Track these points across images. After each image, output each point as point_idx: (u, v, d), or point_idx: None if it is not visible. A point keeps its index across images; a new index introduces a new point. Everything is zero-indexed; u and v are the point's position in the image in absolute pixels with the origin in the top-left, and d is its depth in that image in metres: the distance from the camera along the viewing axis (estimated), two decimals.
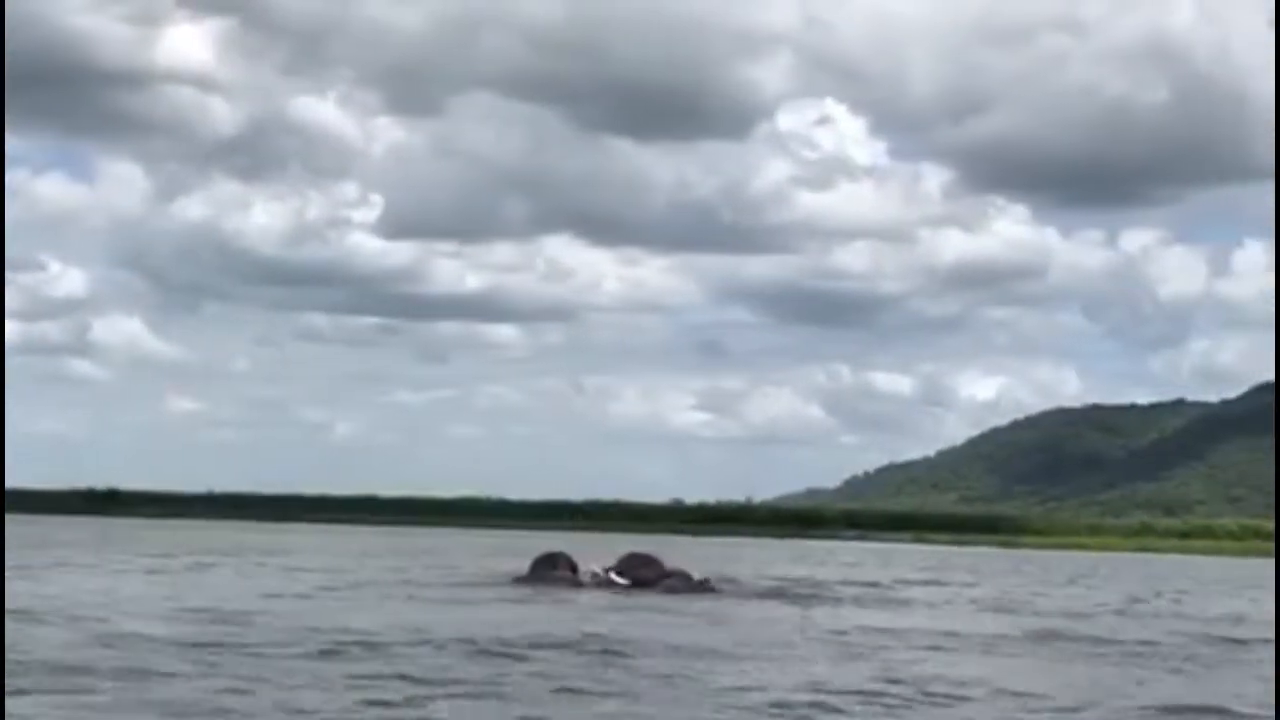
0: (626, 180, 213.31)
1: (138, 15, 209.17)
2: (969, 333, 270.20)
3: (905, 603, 27.59)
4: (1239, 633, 22.10)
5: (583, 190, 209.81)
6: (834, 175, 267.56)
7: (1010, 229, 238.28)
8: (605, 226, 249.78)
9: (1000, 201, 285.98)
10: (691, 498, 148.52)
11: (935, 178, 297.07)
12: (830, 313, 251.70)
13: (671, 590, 26.38)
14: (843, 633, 19.28)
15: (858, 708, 12.17)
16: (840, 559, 57.53)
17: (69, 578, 27.69)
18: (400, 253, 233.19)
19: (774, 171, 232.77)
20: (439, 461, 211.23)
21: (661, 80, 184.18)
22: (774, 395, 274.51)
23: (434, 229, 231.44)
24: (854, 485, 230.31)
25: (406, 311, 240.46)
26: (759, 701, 12.34)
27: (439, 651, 15.18)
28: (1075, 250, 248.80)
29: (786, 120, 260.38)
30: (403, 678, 13.07)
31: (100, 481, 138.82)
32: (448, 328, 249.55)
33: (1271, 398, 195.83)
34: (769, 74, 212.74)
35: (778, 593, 28.19)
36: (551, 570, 28.39)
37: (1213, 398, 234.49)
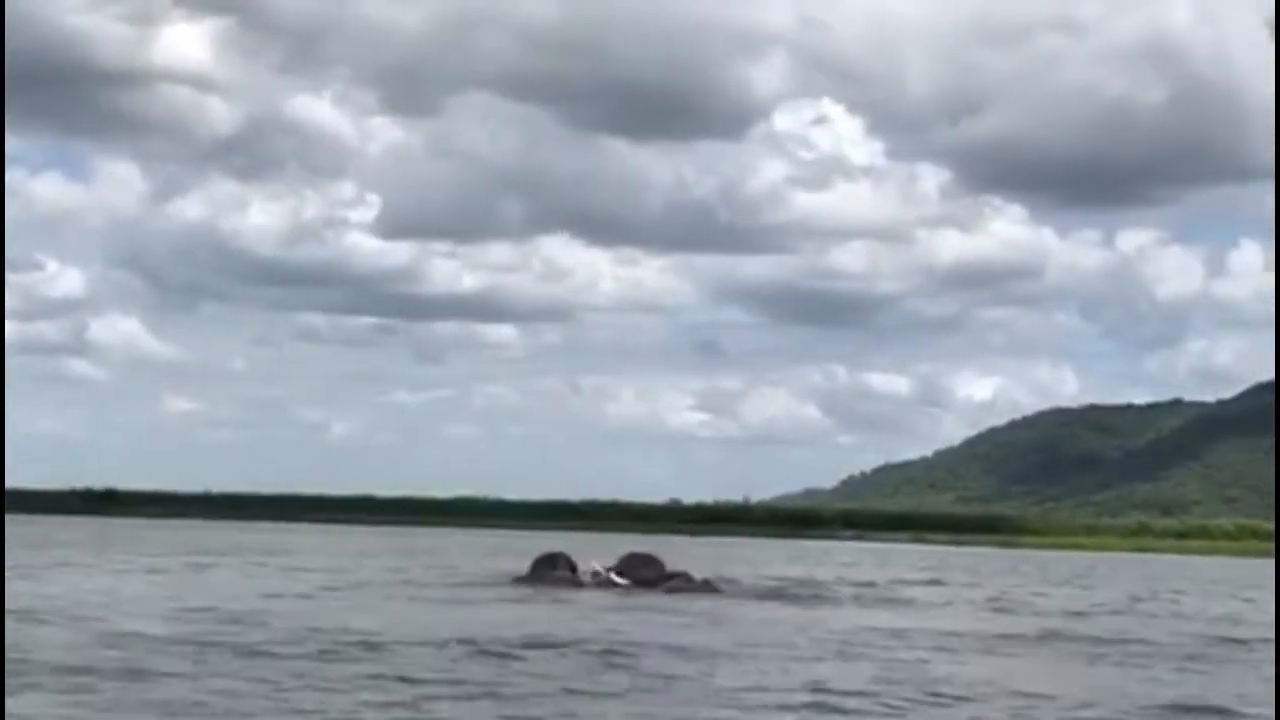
0: (623, 180, 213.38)
1: (135, 15, 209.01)
2: (966, 333, 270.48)
3: (906, 603, 27.60)
4: (1239, 633, 22.13)
5: (580, 190, 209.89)
6: (831, 175, 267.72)
7: (1007, 229, 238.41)
8: (602, 226, 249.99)
9: (997, 202, 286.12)
10: (689, 498, 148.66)
11: (932, 178, 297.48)
12: (827, 313, 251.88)
13: (674, 591, 26.39)
14: (845, 633, 19.29)
15: (862, 708, 12.18)
16: (839, 559, 57.54)
17: (69, 578, 27.68)
18: (397, 253, 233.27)
19: (771, 171, 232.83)
20: (436, 461, 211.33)
21: (658, 80, 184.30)
22: (771, 395, 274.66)
23: (431, 229, 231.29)
24: (851, 485, 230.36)
25: (404, 311, 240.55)
26: (764, 702, 12.35)
27: (442, 652, 15.18)
28: (1072, 250, 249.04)
29: (783, 120, 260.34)
30: (405, 678, 13.07)
31: (98, 481, 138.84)
32: (445, 328, 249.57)
33: (1268, 398, 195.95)
34: (766, 74, 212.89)
35: (779, 593, 28.19)
36: (551, 570, 28.40)
37: (1209, 398, 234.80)
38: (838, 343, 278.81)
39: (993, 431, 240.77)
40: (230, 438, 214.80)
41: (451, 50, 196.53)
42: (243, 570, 33.51)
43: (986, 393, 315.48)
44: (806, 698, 12.58)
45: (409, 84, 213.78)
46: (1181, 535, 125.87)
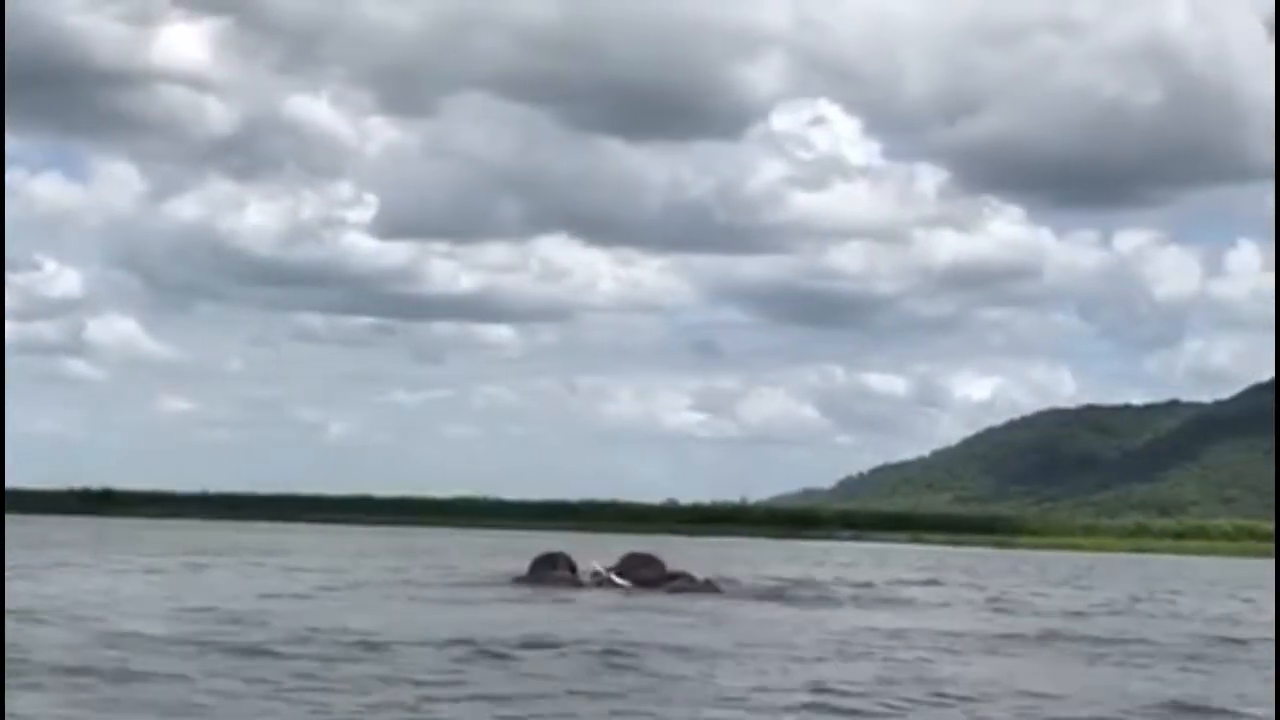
0: (621, 180, 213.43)
1: (133, 15, 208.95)
2: (963, 333, 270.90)
3: (906, 603, 27.59)
4: (1238, 633, 22.14)
5: (577, 190, 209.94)
6: (828, 175, 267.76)
7: (1005, 229, 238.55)
8: (600, 227, 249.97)
9: (995, 202, 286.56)
10: (686, 498, 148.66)
11: (930, 178, 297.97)
12: (825, 313, 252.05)
13: (675, 591, 26.37)
14: (847, 633, 19.28)
15: (865, 709, 12.17)
16: (838, 559, 57.54)
17: (68, 578, 27.64)
18: (395, 253, 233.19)
19: (768, 172, 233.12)
20: (434, 462, 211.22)
21: (656, 80, 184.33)
22: (769, 395, 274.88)
23: (428, 229, 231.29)
24: (848, 485, 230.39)
25: (401, 311, 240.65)
26: (767, 703, 12.34)
27: (445, 652, 15.15)
28: (1070, 251, 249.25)
29: (781, 120, 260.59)
30: (406, 679, 13.04)
31: (95, 481, 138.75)
32: (443, 328, 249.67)
33: (1266, 398, 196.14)
34: (763, 74, 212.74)
35: (780, 594, 28.15)
36: (551, 570, 28.37)
37: (1207, 398, 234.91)
38: (835, 343, 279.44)
39: (990, 432, 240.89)
40: (228, 438, 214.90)
41: (449, 50, 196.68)
42: (241, 570, 33.48)
43: (984, 393, 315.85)
44: (810, 698, 12.56)
45: (406, 84, 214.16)
46: (1179, 536, 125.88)
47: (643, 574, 27.49)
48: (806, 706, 12.16)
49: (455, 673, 13.53)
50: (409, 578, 30.80)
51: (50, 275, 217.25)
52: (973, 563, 62.24)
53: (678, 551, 34.52)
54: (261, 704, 11.49)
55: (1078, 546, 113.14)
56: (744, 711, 11.89)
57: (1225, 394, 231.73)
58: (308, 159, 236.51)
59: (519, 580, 28.32)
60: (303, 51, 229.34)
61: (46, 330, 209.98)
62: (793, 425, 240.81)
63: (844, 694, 12.79)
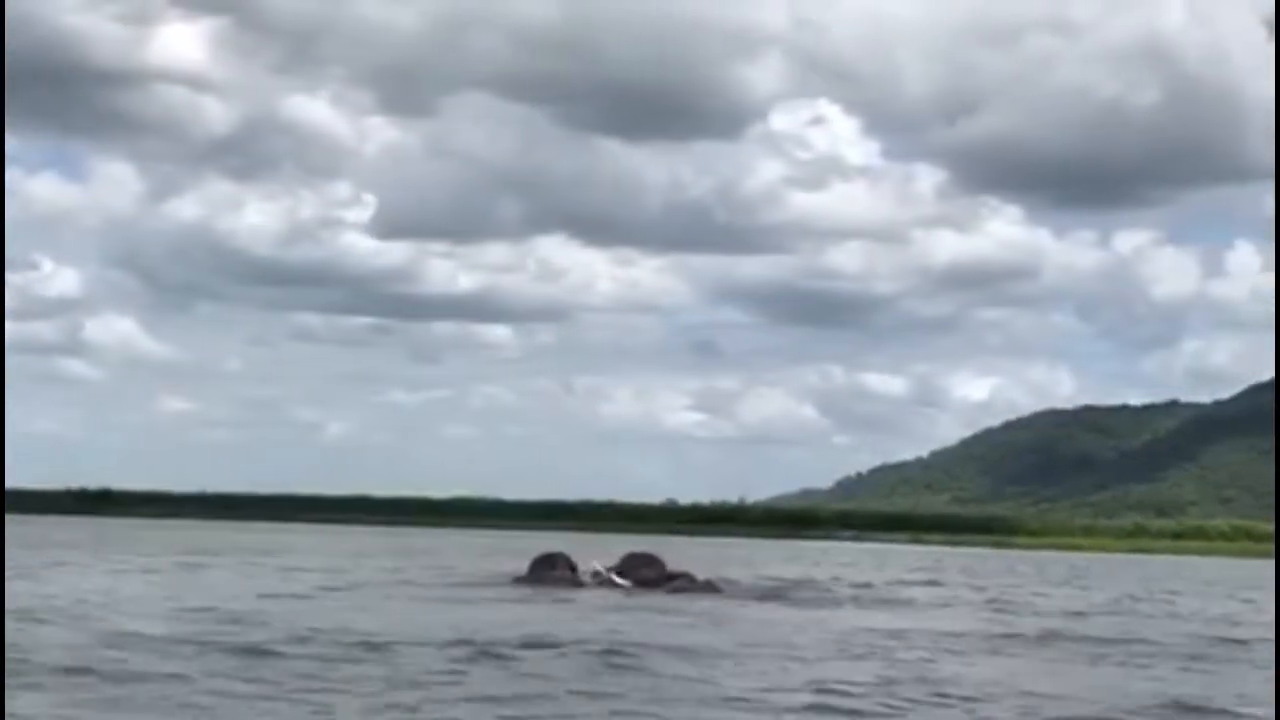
0: (619, 180, 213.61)
1: (131, 14, 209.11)
2: (962, 333, 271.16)
3: (907, 603, 27.56)
4: (1238, 633, 22.14)
5: (576, 190, 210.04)
6: (827, 175, 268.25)
7: (1003, 230, 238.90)
8: (598, 227, 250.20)
9: (993, 202, 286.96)
10: (685, 498, 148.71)
11: (928, 178, 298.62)
12: (823, 313, 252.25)
13: (676, 591, 26.34)
14: (849, 634, 19.26)
15: (870, 709, 12.15)
16: (838, 560, 57.54)
17: (67, 578, 27.61)
18: (393, 253, 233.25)
19: (767, 172, 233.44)
20: (432, 462, 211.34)
21: (654, 80, 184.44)
22: (767, 396, 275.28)
23: (427, 229, 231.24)
24: (847, 486, 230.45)
25: (400, 312, 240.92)
26: (770, 703, 12.31)
27: (446, 652, 15.12)
28: (1068, 251, 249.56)
29: (779, 120, 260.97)
30: (408, 679, 13.01)
31: (93, 481, 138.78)
32: (441, 328, 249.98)
33: (1264, 399, 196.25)
34: (762, 74, 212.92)
35: (781, 594, 28.13)
36: (551, 570, 28.35)
37: (1205, 399, 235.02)
38: (834, 343, 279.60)
39: (988, 432, 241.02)
40: (226, 438, 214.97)
41: (447, 50, 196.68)
42: (240, 570, 33.45)
43: (982, 393, 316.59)
44: (812, 699, 12.54)
45: (405, 84, 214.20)
46: (1178, 536, 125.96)
47: (643, 574, 27.47)
48: (809, 707, 12.14)
49: (456, 673, 13.50)
50: (408, 578, 30.78)
51: (48, 275, 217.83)
52: (971, 563, 62.24)
53: (676, 552, 34.49)
54: (262, 704, 11.47)
55: (1076, 547, 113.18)
56: (746, 712, 11.87)
57: (1224, 394, 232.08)
58: (306, 159, 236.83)
59: (519, 580, 28.30)
60: (301, 51, 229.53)
61: (44, 330, 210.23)
62: (791, 425, 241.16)
63: (846, 694, 12.78)
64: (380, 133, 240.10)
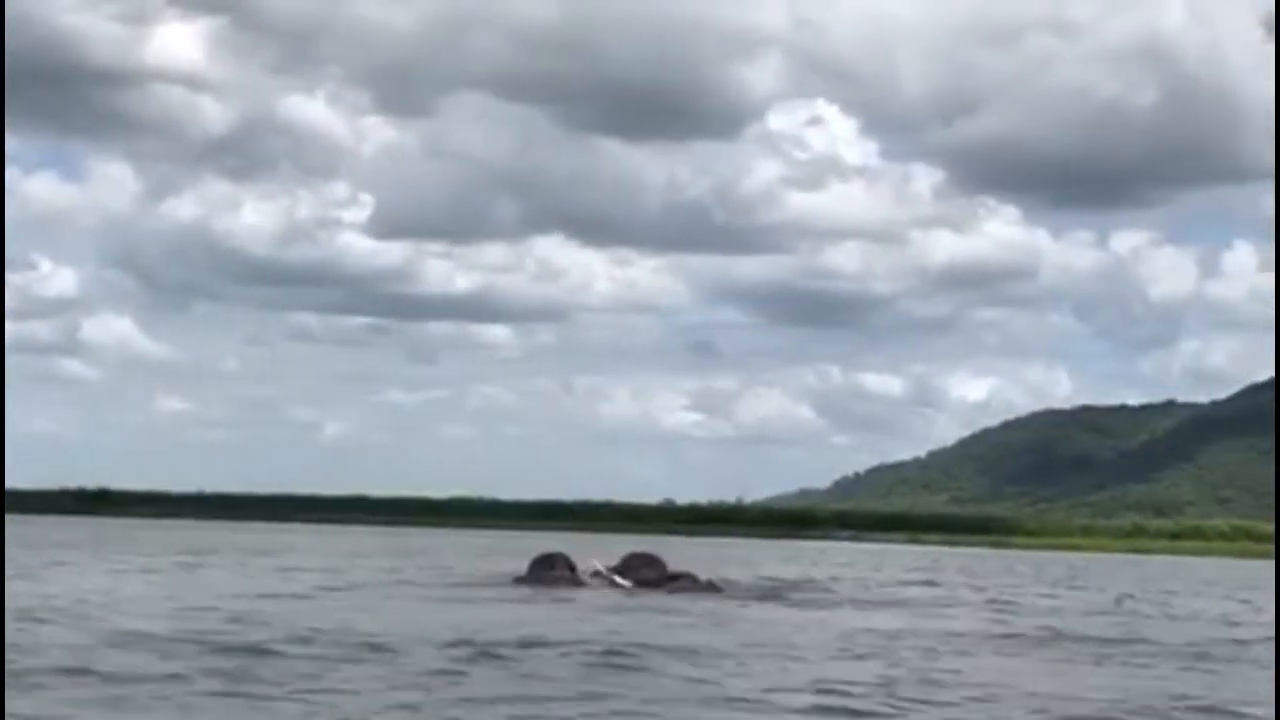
0: (617, 180, 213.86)
1: (128, 14, 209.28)
2: (959, 333, 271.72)
3: (908, 603, 27.52)
4: (1239, 633, 22.11)
5: (574, 190, 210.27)
6: (825, 176, 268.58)
7: (1001, 230, 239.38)
8: (596, 227, 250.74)
9: (991, 202, 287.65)
10: (683, 498, 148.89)
11: (926, 178, 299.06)
12: (821, 313, 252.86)
13: (678, 591, 26.29)
14: (851, 634, 19.21)
15: (876, 709, 12.11)
16: (837, 560, 57.56)
17: (66, 578, 27.54)
18: (391, 253, 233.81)
19: (765, 172, 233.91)
20: (430, 462, 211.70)
21: (652, 80, 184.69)
22: (765, 396, 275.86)
23: (425, 229, 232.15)
24: (844, 486, 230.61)
25: (397, 312, 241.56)
26: (777, 704, 12.26)
27: (447, 653, 15.06)
28: (1066, 251, 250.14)
29: (777, 120, 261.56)
30: (411, 679, 12.96)
31: (90, 481, 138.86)
32: (439, 328, 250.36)
33: (1262, 399, 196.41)
34: (760, 74, 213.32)
35: (784, 594, 28.08)
36: (550, 570, 28.30)
37: (1203, 399, 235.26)
38: (832, 343, 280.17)
39: (986, 432, 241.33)
40: (223, 438, 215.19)
41: (445, 50, 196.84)
42: (239, 570, 33.40)
43: (980, 393, 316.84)
44: (816, 699, 12.48)
45: (402, 84, 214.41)
46: (1176, 536, 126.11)
47: (644, 574, 27.42)
48: (813, 708, 12.09)
49: (458, 673, 13.45)
50: (408, 578, 30.73)
51: (45, 275, 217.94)
52: (970, 563, 62.25)
53: (674, 552, 34.45)
54: (261, 704, 11.42)
55: (1075, 547, 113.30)
56: (749, 713, 11.82)
57: (1221, 394, 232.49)
58: (303, 159, 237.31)
59: (519, 580, 28.26)
60: (298, 51, 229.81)
61: (41, 330, 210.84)
62: (789, 425, 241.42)
63: (850, 695, 12.73)
64: (378, 132, 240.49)
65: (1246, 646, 19.62)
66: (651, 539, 57.32)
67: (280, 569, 33.79)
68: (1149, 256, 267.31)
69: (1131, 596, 32.58)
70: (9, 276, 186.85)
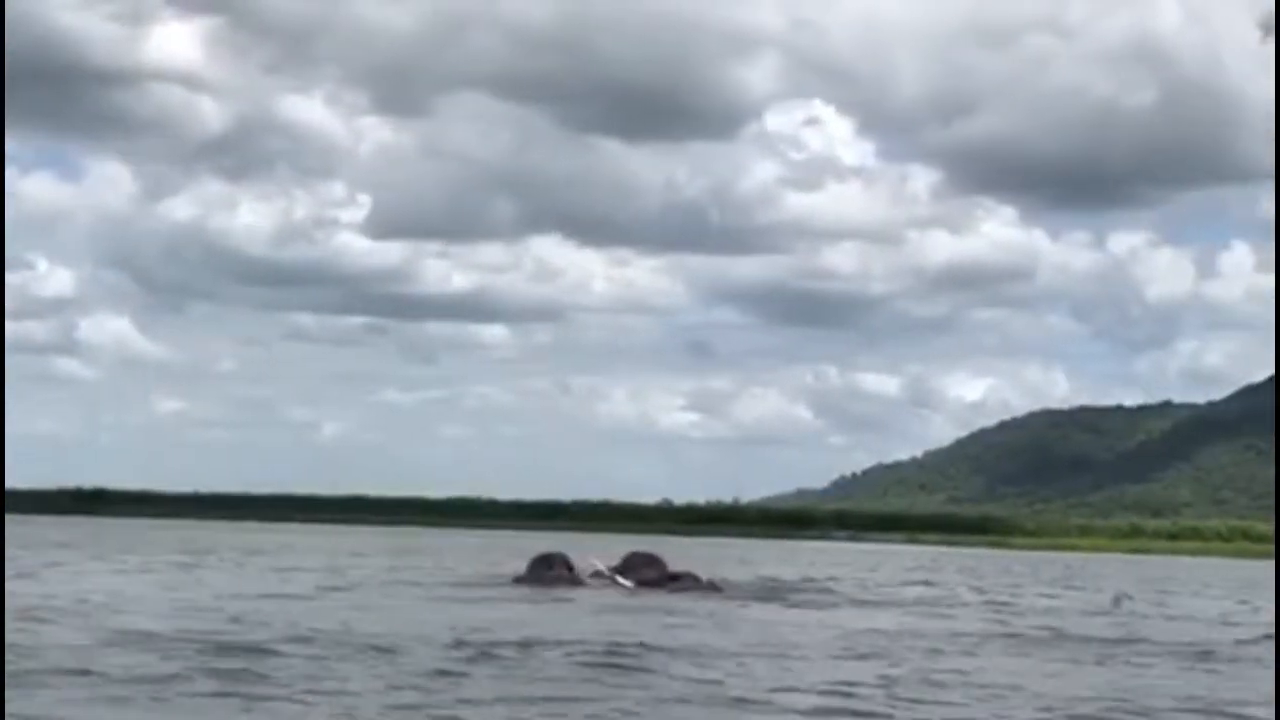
0: (615, 181, 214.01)
1: (125, 14, 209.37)
2: (956, 334, 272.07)
3: (908, 603, 27.50)
4: (1238, 634, 22.11)
5: (571, 191, 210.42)
6: (822, 176, 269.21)
7: (998, 230, 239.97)
8: (593, 227, 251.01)
9: (988, 203, 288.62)
10: (680, 498, 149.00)
11: (923, 179, 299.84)
12: (818, 313, 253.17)
13: (679, 591, 26.27)
14: (854, 634, 19.18)
15: (880, 710, 12.09)
16: (834, 559, 57.56)
17: (66, 578, 27.49)
18: (388, 253, 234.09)
19: (762, 172, 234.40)
20: (427, 462, 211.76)
21: (650, 81, 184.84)
22: (762, 396, 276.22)
23: (422, 229, 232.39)
24: (842, 486, 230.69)
25: (394, 311, 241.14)
26: (781, 704, 12.25)
27: (450, 653, 15.03)
28: (1063, 252, 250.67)
29: (775, 121, 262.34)
30: (413, 679, 12.92)
31: (87, 481, 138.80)
32: (436, 328, 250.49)
33: (1258, 399, 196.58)
34: (757, 75, 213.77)
35: (784, 594, 28.06)
36: (548, 570, 28.29)
37: (1200, 399, 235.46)
38: (829, 343, 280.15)
39: (983, 432, 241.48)
40: (220, 438, 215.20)
41: (442, 50, 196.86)
42: (237, 570, 33.36)
43: (977, 394, 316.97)
44: (826, 701, 12.44)
45: (400, 84, 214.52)
46: (1173, 537, 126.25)
47: (645, 574, 27.40)
48: (818, 709, 12.06)
49: (460, 674, 13.42)
50: (407, 578, 30.70)
51: (42, 275, 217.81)
52: (968, 563, 62.29)
53: (672, 552, 34.41)
54: (262, 705, 11.39)
55: (1072, 547, 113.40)
56: (753, 714, 11.80)
57: (1218, 395, 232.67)
58: (300, 159, 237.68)
59: (519, 580, 28.25)
60: (295, 51, 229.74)
61: (38, 330, 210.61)
62: (786, 425, 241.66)
63: (854, 696, 12.71)
64: (375, 132, 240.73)
65: (1246, 647, 19.61)
66: (649, 539, 57.29)
67: (278, 569, 33.74)
68: (1146, 257, 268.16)
69: (1129, 597, 32.55)
70: (6, 276, 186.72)
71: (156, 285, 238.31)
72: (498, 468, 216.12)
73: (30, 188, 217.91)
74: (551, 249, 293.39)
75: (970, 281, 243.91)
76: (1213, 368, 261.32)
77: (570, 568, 28.53)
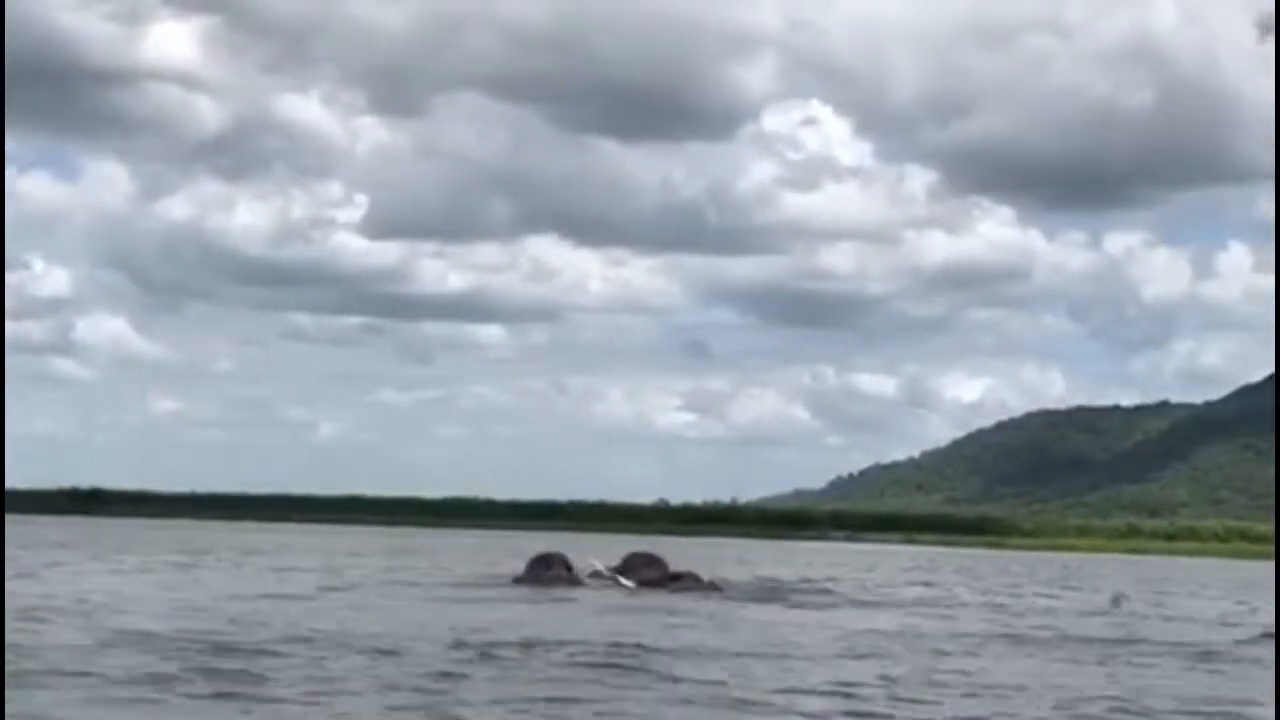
0: (612, 181, 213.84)
1: (123, 13, 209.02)
2: (953, 334, 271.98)
3: (907, 604, 27.49)
4: (1237, 634, 22.12)
5: (568, 190, 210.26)
6: (819, 176, 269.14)
7: (995, 231, 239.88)
8: (590, 227, 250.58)
9: (985, 203, 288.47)
10: (677, 498, 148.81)
11: (920, 179, 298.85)
12: (815, 314, 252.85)
13: (681, 591, 26.25)
14: (855, 634, 19.17)
15: (883, 710, 12.08)
16: (833, 560, 57.55)
17: (65, 578, 27.44)
18: (385, 253, 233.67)
19: (759, 172, 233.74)
20: (424, 462, 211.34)
21: (647, 81, 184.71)
22: (759, 396, 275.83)
23: (418, 229, 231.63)
24: (839, 486, 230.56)
25: (391, 311, 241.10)
26: (784, 704, 12.24)
27: (451, 653, 15.01)
28: (1060, 252, 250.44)
29: (772, 121, 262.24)
30: (416, 679, 12.89)
31: (84, 481, 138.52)
32: (432, 328, 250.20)
33: (1255, 399, 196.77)
34: (754, 75, 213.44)
35: (784, 594, 28.05)
36: (547, 570, 28.27)
37: (1197, 399, 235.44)
38: (825, 343, 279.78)
39: (980, 433, 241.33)
40: (217, 437, 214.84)
41: (439, 50, 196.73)
42: (236, 570, 33.31)
43: (974, 394, 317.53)
44: (831, 703, 12.42)
45: (397, 84, 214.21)
46: (1171, 537, 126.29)
47: (646, 574, 27.38)
48: (824, 711, 12.06)
49: (461, 675, 13.39)
50: (406, 578, 30.66)
51: (39, 274, 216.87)
52: (966, 563, 62.29)
53: (670, 552, 34.39)
54: (262, 705, 11.36)
55: (1070, 547, 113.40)
56: (757, 714, 11.78)
57: (1215, 395, 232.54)
58: (297, 158, 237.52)
59: (518, 580, 28.22)
60: (293, 51, 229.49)
61: (35, 330, 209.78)
62: (783, 426, 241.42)
63: (858, 697, 12.69)
64: (372, 132, 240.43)
65: (1245, 647, 19.62)
66: (646, 539, 57.26)
67: (277, 569, 33.70)
68: (1143, 257, 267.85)
69: (1127, 597, 32.58)
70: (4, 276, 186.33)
71: (153, 285, 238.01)
72: (494, 468, 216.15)
73: (27, 187, 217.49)
74: (548, 249, 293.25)
75: (967, 282, 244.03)
76: (1210, 368, 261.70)
77: (569, 568, 28.51)
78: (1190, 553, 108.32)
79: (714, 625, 20.04)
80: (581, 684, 13.02)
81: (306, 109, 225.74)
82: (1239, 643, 20.33)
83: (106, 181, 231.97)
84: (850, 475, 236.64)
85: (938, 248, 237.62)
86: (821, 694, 12.88)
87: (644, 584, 26.88)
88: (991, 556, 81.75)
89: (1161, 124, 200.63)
